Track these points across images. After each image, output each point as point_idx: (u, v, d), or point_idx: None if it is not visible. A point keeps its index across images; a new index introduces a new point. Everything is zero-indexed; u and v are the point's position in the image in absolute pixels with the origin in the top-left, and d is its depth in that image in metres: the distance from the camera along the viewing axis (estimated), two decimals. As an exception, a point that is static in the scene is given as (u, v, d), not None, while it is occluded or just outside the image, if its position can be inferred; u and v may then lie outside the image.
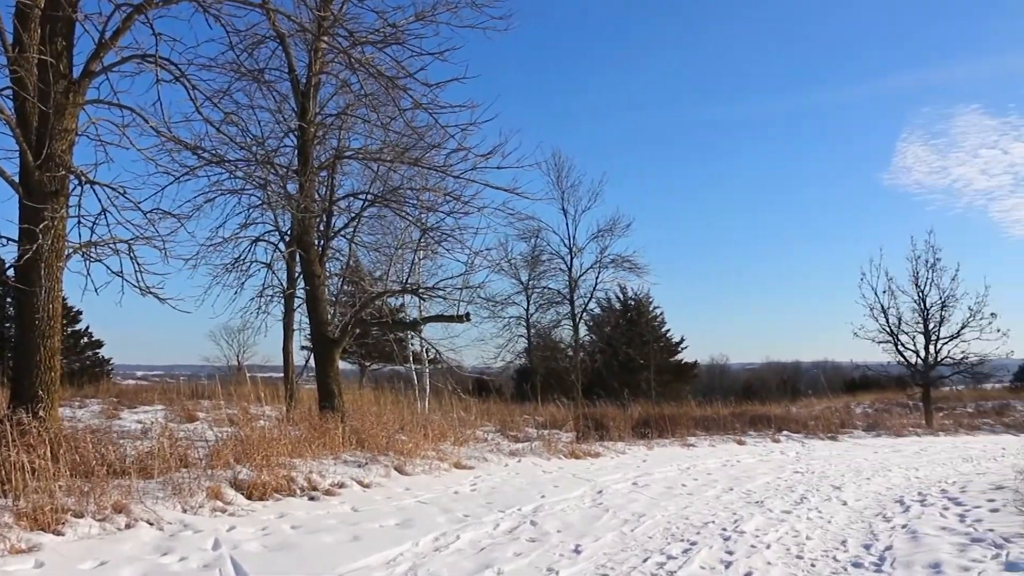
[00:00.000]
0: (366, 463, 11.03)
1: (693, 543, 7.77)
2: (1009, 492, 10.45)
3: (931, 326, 28.80)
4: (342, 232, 14.65)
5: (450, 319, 14.46)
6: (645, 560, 7.01)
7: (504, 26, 11.81)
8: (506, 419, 19.86)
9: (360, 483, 9.96)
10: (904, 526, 8.62)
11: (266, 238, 14.55)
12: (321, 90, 13.50)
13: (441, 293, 14.15)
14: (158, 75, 8.49)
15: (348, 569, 6.33)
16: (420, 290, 14.76)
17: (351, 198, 14.50)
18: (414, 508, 9.03)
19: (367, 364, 33.94)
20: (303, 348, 18.75)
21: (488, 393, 24.41)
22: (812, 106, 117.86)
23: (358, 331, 15.70)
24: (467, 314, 13.88)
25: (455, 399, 18.40)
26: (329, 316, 13.90)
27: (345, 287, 16.07)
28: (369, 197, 14.04)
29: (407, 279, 16.27)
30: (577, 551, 7.32)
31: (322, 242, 14.00)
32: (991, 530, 8.02)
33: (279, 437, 10.53)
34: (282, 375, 17.85)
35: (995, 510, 9.29)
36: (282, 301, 15.26)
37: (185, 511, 7.66)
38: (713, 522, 8.94)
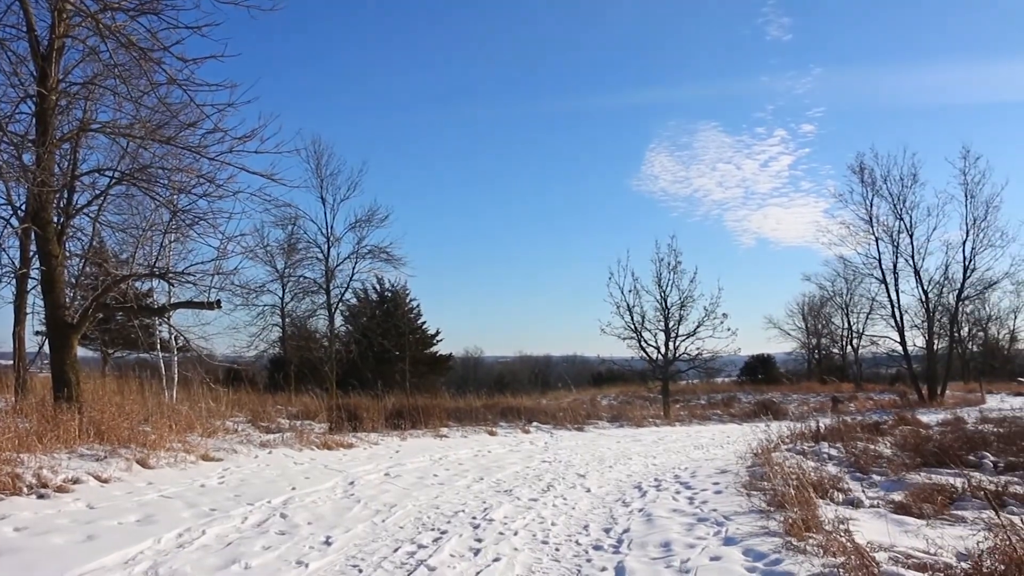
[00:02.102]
0: (105, 456, 10.39)
1: (444, 532, 7.94)
2: (731, 476, 11.43)
3: (671, 324, 31.08)
4: (85, 210, 13.66)
5: (200, 306, 13.88)
6: (396, 550, 7.10)
7: (270, 5, 11.47)
8: (258, 410, 19.36)
9: (98, 478, 9.38)
10: (641, 510, 9.20)
11: (-5, 212, 13.28)
12: (65, 55, 12.51)
13: (191, 278, 13.55)
14: None
15: (81, 571, 5.93)
16: (169, 275, 14.05)
17: (96, 174, 13.54)
18: (157, 503, 8.63)
19: (110, 351, 31.83)
20: (37, 333, 17.28)
21: (240, 383, 23.61)
22: (567, 111, 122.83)
23: (100, 316, 14.72)
24: (218, 301, 13.40)
25: (205, 389, 17.70)
26: (68, 299, 12.93)
27: (87, 269, 14.99)
28: (116, 174, 13.18)
29: (155, 263, 15.40)
30: (328, 543, 7.29)
31: (62, 219, 12.99)
32: (715, 510, 8.75)
33: (4, 430, 9.69)
34: (11, 363, 16.37)
35: (719, 492, 10.12)
36: (13, 282, 14.00)
37: None
38: (463, 511, 9.17)
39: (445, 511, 9.15)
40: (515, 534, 7.90)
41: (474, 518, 8.72)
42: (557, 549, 7.29)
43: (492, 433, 20.41)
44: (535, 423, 23.09)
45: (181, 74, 11.28)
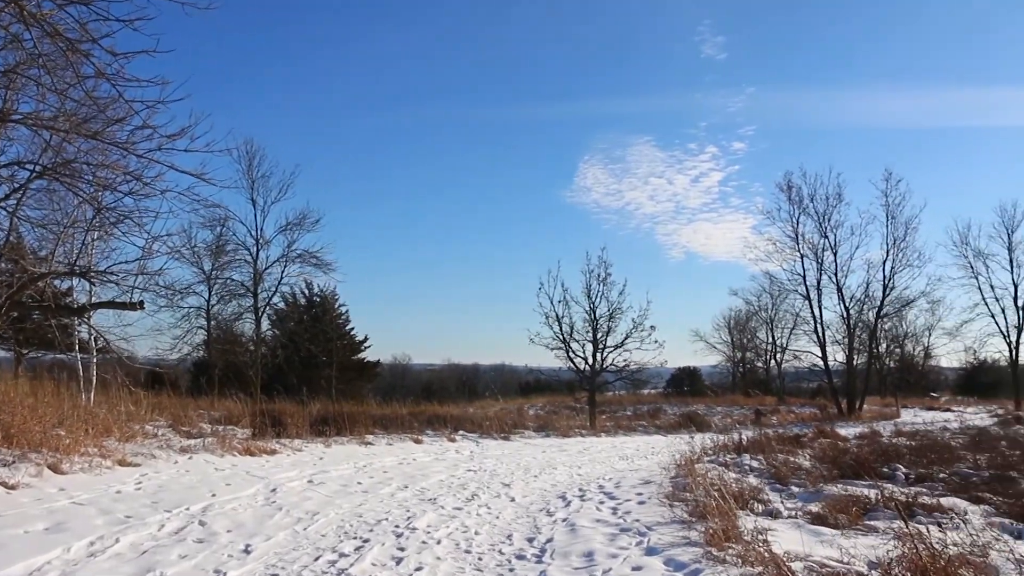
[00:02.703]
0: (13, 461, 10.03)
1: (366, 540, 7.87)
2: (655, 486, 11.54)
3: (599, 335, 31.23)
4: (2, 204, 13.23)
5: (122, 306, 13.54)
6: (317, 559, 7.01)
7: (206, 3, 11.25)
8: (179, 414, 18.93)
9: (4, 484, 9.03)
10: (565, 519, 9.24)
11: (-97, 204, 12.77)
12: (-15, 43, 12.12)
13: (114, 278, 13.19)
14: None
15: (-17, 581, 5.74)
16: (91, 273, 13.67)
17: (15, 167, 13.09)
18: (68, 510, 8.37)
19: (24, 351, 30.83)
20: (-55, 332, 16.66)
21: (162, 386, 23.08)
22: (500, 121, 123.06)
23: (15, 315, 14.25)
24: (141, 302, 13.08)
25: (124, 392, 17.25)
26: (-20, 297, 12.50)
27: (2, 265, 14.50)
28: (38, 168, 12.78)
29: (76, 261, 14.97)
30: (247, 551, 7.17)
31: (-24, 213, 12.58)
32: (637, 520, 8.83)
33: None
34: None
35: (642, 502, 10.22)
36: (-79, 277, 13.47)
37: None
38: (387, 519, 9.10)
39: (368, 519, 9.07)
40: (438, 543, 7.86)
41: (397, 527, 8.66)
42: (480, 559, 7.28)
43: (418, 441, 20.29)
44: (462, 432, 23.03)
45: (110, 68, 10.94)
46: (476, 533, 8.47)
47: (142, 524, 8.00)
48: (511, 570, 6.87)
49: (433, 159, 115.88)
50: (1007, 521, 8.78)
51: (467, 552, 7.54)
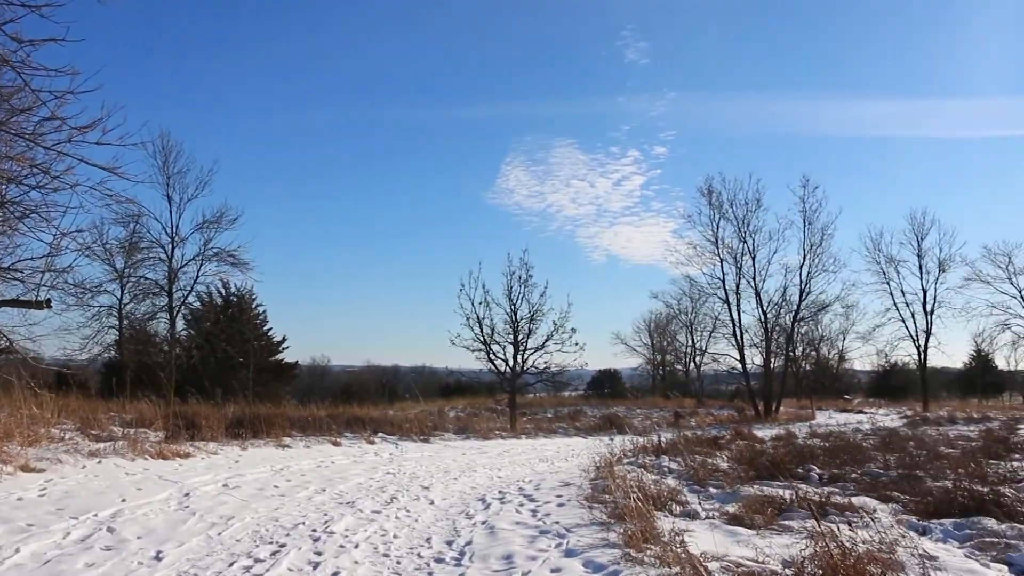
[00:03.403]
0: (-93, 466, 9.58)
1: (282, 545, 7.72)
2: (574, 488, 11.59)
3: (520, 337, 31.23)
4: None
5: (28, 304, 13.03)
6: (231, 564, 6.84)
7: (117, -8, 10.90)
8: (88, 416, 18.31)
9: (-102, 489, 8.62)
10: (484, 522, 9.21)
11: None
12: None
13: (19, 275, 12.73)
14: None
15: None
16: (-7, 270, 13.16)
17: (-87, 158, 12.55)
18: (-34, 518, 8.01)
19: (-81, 352, 29.57)
20: None
21: (70, 388, 22.32)
22: (421, 122, 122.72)
23: (-90, 313, 13.62)
24: (48, 300, 12.63)
25: (29, 394, 16.62)
26: None
27: None
28: (-64, 160, 12.25)
29: (-22, 257, 14.39)
30: (158, 558, 6.96)
31: None
32: (557, 522, 8.85)
33: None
34: None
35: (562, 504, 10.25)
36: None
37: None
38: (304, 523, 8.94)
39: (285, 524, 8.89)
40: (356, 547, 7.76)
41: (314, 531, 8.51)
42: (398, 562, 7.20)
43: (336, 444, 20.02)
44: (381, 434, 22.82)
45: (15, 55, 10.57)
46: (395, 536, 8.38)
47: (46, 532, 7.69)
48: (430, 573, 6.81)
49: (353, 159, 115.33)
50: (913, 519, 9.05)
51: (385, 556, 7.45)
